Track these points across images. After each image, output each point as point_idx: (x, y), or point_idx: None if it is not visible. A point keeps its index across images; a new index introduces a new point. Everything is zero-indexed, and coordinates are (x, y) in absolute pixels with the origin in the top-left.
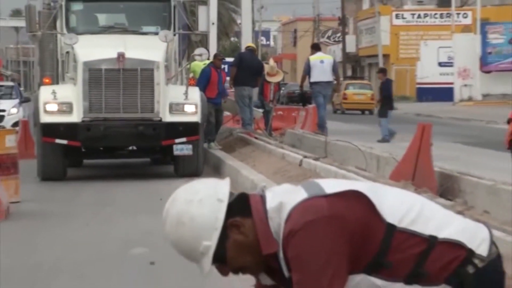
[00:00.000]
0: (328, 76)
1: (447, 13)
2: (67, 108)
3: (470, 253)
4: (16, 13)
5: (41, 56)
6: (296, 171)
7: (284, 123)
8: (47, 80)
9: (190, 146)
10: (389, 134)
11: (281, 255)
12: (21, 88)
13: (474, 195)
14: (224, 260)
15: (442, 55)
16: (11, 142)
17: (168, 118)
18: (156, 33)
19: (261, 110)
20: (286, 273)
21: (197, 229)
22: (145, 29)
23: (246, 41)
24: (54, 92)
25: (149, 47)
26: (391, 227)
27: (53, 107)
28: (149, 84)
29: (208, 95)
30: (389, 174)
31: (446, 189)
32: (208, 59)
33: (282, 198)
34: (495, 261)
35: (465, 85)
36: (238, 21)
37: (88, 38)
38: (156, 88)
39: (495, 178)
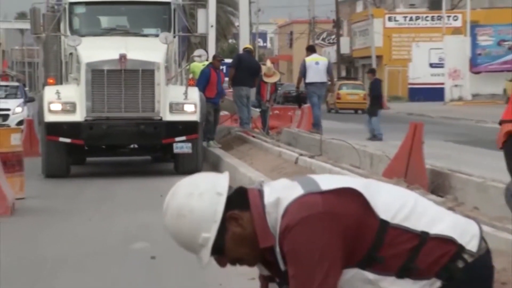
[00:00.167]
0: (322, 77)
1: (438, 16)
2: (70, 107)
3: (461, 248)
4: (21, 16)
5: (46, 58)
6: (292, 169)
7: (281, 122)
8: (51, 81)
9: (189, 144)
10: (372, 131)
11: (277, 249)
12: (26, 88)
13: (464, 192)
14: (222, 252)
15: (433, 56)
16: (16, 140)
17: (168, 117)
18: (157, 35)
19: (258, 110)
20: (282, 267)
21: (197, 222)
22: (146, 31)
23: (244, 42)
24: (58, 92)
25: (150, 49)
26: (385, 223)
27: (57, 106)
28: (150, 85)
29: (207, 95)
30: (382, 172)
31: (437, 185)
32: (207, 60)
33: (279, 194)
34: (484, 256)
35: (456, 86)
36: (236, 24)
37: (91, 40)
38: (156, 88)
39: (485, 175)
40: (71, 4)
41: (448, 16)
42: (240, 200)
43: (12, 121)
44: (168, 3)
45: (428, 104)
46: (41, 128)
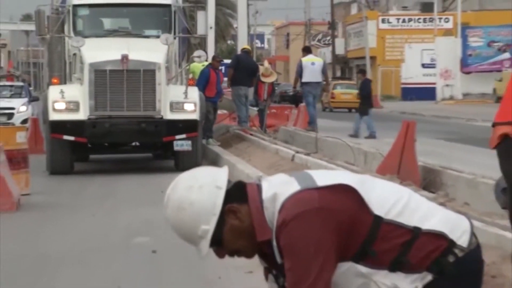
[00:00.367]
0: (318, 77)
1: (430, 18)
2: (74, 106)
3: (452, 243)
4: (26, 18)
5: (50, 58)
6: (288, 166)
7: (278, 120)
8: (55, 80)
9: (189, 142)
10: (356, 130)
11: (274, 242)
12: (31, 88)
13: (455, 188)
14: (221, 244)
15: (425, 57)
16: (21, 138)
17: (169, 116)
18: (158, 36)
19: (256, 109)
20: (278, 260)
21: (196, 214)
22: (147, 32)
23: (242, 43)
24: (62, 92)
25: (151, 50)
26: (378, 219)
27: (61, 105)
28: (151, 84)
29: (207, 94)
30: (376, 168)
31: (429, 182)
32: (207, 60)
33: (276, 189)
34: (474, 251)
35: (447, 85)
36: (235, 25)
37: (94, 41)
38: (157, 88)
39: (475, 172)
40: (75, 6)
41: (440, 18)
42: (238, 193)
43: (16, 120)
44: (169, 6)
45: (420, 103)
46: (46, 126)
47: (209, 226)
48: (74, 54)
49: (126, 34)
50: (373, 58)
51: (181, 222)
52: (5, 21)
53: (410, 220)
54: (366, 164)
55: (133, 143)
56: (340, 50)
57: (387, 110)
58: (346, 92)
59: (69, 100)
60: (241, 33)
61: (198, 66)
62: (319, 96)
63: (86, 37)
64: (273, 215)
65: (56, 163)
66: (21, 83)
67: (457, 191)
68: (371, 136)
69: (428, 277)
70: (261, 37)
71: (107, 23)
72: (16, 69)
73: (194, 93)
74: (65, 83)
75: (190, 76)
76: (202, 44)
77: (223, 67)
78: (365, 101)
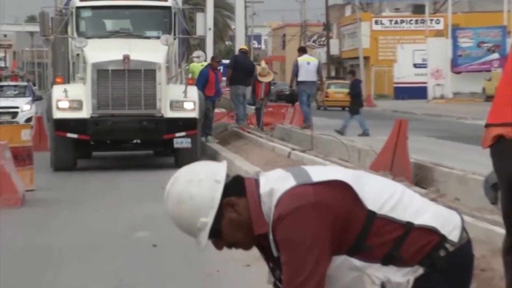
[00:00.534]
0: (313, 77)
1: (421, 19)
2: (77, 105)
3: (443, 238)
4: (31, 19)
5: (54, 58)
6: (285, 162)
7: (274, 119)
8: (59, 80)
9: (189, 140)
10: (343, 128)
11: (271, 236)
12: (35, 87)
13: (446, 184)
14: (219, 236)
15: (417, 57)
16: (26, 136)
17: (169, 114)
18: (158, 37)
19: (253, 107)
20: (275, 253)
21: (196, 207)
22: (148, 33)
23: (240, 44)
24: (65, 91)
25: (152, 50)
26: (372, 214)
27: (64, 104)
28: (152, 83)
29: (207, 93)
30: (369, 165)
31: (420, 178)
32: (206, 61)
33: (273, 185)
34: (465, 245)
35: (438, 85)
36: (233, 27)
37: (96, 41)
38: (158, 87)
39: (465, 169)
40: (78, 8)
41: (431, 20)
42: (237, 188)
43: (21, 118)
44: (169, 8)
45: (412, 102)
46: (50, 124)
47: (208, 219)
48: (77, 55)
49: (128, 35)
50: (366, 59)
51: (181, 215)
52: (10, 22)
53: (403, 215)
54: (360, 161)
55: (135, 141)
56: (334, 50)
57: (380, 109)
58: (339, 91)
59: (73, 99)
60: (239, 34)
61: (197, 66)
62: (314, 95)
63: (89, 38)
64: (270, 209)
65: (60, 160)
66: (25, 83)
67: (448, 187)
68: (364, 134)
69: (420, 270)
70: (258, 38)
71: (109, 24)
72: (21, 69)
73: (194, 92)
74: (68, 82)
75: (190, 76)
76: (201, 44)
77: (221, 67)
78: (356, 101)
